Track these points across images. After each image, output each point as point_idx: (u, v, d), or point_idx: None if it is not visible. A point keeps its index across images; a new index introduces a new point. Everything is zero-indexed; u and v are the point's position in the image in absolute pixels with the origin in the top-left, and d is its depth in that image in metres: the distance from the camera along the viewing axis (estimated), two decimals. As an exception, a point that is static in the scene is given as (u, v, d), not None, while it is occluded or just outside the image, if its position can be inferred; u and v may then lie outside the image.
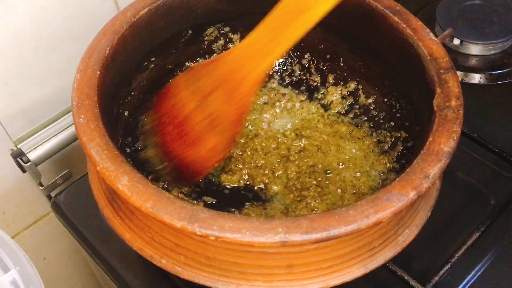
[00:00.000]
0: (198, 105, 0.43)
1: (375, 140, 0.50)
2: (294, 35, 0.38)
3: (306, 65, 0.55)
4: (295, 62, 0.56)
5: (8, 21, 0.51)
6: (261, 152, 0.51)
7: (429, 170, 0.35)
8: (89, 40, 0.43)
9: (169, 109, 0.44)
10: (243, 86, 0.40)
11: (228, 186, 0.48)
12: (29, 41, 0.54)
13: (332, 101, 0.54)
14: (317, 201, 0.46)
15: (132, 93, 0.49)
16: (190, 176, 0.45)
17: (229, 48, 0.55)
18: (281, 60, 0.56)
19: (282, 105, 0.54)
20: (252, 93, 0.41)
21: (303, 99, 0.55)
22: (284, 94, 0.55)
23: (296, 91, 0.55)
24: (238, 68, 0.41)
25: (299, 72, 0.56)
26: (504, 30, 0.63)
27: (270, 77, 0.56)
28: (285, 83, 0.56)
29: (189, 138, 0.43)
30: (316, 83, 0.55)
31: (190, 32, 0.52)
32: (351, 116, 0.53)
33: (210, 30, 0.53)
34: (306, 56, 0.55)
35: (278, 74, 0.56)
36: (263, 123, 0.53)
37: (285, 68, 0.56)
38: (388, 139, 0.49)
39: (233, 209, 0.46)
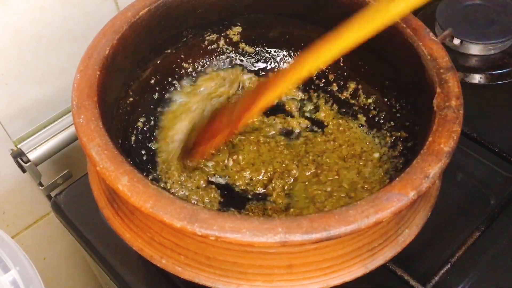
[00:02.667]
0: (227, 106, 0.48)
1: (375, 140, 0.50)
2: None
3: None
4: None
5: (8, 21, 0.51)
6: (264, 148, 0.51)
7: (429, 170, 0.35)
8: (89, 40, 0.43)
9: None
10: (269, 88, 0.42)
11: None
12: (29, 41, 0.54)
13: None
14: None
15: (132, 93, 0.49)
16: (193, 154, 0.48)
17: (227, 48, 0.55)
18: (280, 59, 0.56)
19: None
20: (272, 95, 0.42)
21: (305, 98, 0.55)
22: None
23: (295, 91, 0.56)
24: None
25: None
26: (504, 30, 0.63)
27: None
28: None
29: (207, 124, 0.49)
30: (317, 83, 0.55)
31: (190, 32, 0.52)
32: (351, 116, 0.53)
33: (210, 30, 0.53)
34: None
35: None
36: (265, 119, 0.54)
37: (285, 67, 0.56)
38: (388, 139, 0.49)
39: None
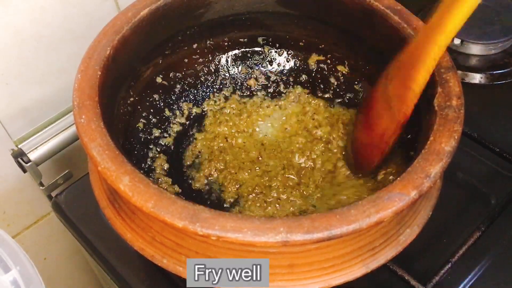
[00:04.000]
0: (381, 95, 0.44)
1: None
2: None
3: (307, 66, 0.56)
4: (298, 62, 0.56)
5: (8, 21, 0.51)
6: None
7: (430, 169, 0.35)
8: (89, 40, 0.43)
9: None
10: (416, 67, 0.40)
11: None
12: (29, 41, 0.53)
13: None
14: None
15: (133, 93, 0.49)
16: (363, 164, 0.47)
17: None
18: (283, 60, 0.56)
19: (282, 104, 0.55)
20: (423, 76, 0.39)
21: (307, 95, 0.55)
22: (284, 93, 0.55)
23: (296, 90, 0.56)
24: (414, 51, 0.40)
25: (301, 72, 0.56)
26: (505, 29, 0.63)
27: (271, 79, 0.56)
28: (289, 83, 0.56)
29: (368, 125, 0.46)
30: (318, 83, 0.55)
31: (191, 32, 0.52)
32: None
33: (211, 29, 0.53)
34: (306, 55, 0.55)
35: (281, 74, 0.56)
36: (267, 117, 0.54)
37: (285, 67, 0.56)
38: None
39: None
